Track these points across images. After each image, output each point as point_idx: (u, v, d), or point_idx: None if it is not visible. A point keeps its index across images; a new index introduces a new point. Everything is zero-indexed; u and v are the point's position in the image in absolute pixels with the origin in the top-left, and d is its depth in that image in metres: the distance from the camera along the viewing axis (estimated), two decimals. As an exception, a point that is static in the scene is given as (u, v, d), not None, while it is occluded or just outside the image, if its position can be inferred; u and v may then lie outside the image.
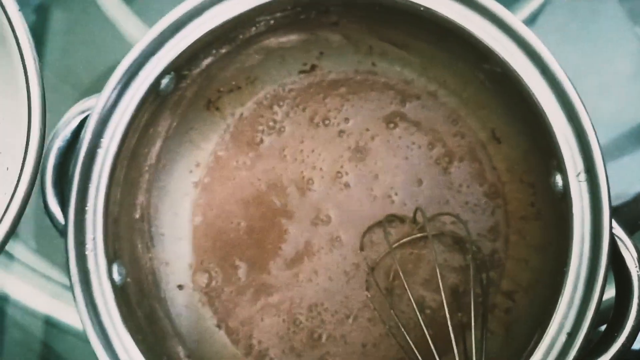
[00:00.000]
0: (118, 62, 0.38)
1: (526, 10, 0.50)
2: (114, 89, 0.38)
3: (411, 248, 0.45)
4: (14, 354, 0.51)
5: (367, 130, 0.46)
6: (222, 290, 0.46)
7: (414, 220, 0.45)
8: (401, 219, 0.45)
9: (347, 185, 0.46)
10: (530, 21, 0.49)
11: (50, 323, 0.50)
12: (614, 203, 0.36)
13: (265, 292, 0.46)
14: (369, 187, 0.46)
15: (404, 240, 0.44)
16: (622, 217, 0.37)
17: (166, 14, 0.38)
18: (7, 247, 0.49)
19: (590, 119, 0.35)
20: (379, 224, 0.45)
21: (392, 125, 0.46)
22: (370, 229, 0.45)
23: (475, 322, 0.40)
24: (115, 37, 0.51)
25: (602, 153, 0.35)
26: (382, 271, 0.45)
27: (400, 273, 0.42)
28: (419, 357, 0.39)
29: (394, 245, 0.44)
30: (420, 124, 0.46)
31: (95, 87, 0.39)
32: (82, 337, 0.37)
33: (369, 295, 0.44)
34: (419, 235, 0.44)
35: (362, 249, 0.45)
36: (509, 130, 0.44)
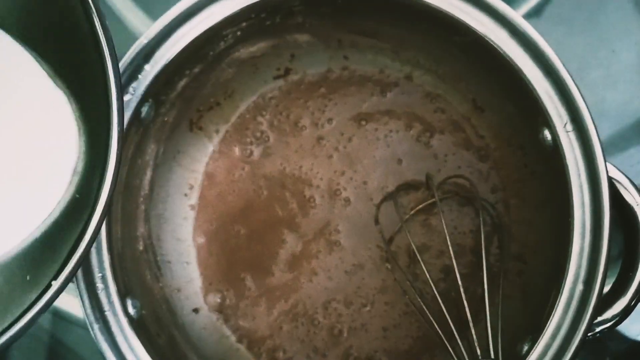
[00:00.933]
0: (122, 55, 0.38)
1: (531, 2, 0.49)
2: (96, 125, 0.38)
3: (426, 215, 0.45)
4: (22, 346, 0.51)
5: (342, 134, 0.47)
6: (237, 307, 0.46)
7: (427, 187, 0.45)
8: (415, 187, 0.45)
9: (347, 200, 0.46)
10: (536, 13, 0.49)
11: (58, 315, 0.50)
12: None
13: (277, 299, 0.46)
14: (367, 197, 0.46)
15: (415, 209, 0.45)
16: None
17: (159, 18, 0.39)
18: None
19: (566, 69, 0.36)
20: (392, 195, 0.45)
21: (363, 122, 0.47)
22: (384, 200, 0.45)
23: (489, 284, 0.40)
24: (120, 30, 0.51)
25: (584, 101, 0.36)
26: (402, 241, 0.45)
27: (414, 246, 0.42)
28: (438, 331, 0.39)
29: (407, 216, 0.44)
30: (393, 111, 0.46)
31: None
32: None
33: (389, 267, 0.45)
34: (430, 201, 0.44)
35: (377, 222, 0.45)
36: (490, 97, 0.44)
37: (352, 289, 0.45)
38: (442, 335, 0.39)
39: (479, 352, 0.37)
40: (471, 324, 0.38)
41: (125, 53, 0.38)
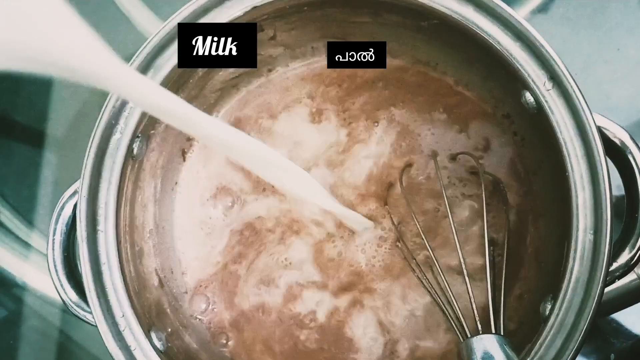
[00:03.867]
0: (131, 54, 0.39)
1: (536, 1, 0.50)
2: (92, 167, 0.38)
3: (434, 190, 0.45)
4: (33, 341, 0.52)
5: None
6: (245, 331, 0.46)
7: (434, 158, 0.45)
8: (410, 164, 0.45)
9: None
10: (542, 10, 0.50)
11: (67, 311, 0.50)
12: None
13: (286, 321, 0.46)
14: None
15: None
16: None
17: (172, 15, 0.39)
18: (24, 238, 0.51)
19: (534, 28, 0.36)
20: (398, 180, 0.45)
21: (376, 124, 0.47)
22: (392, 185, 0.45)
23: (491, 255, 0.40)
24: (128, 30, 0.52)
25: (559, 57, 0.36)
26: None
27: (422, 232, 0.43)
28: (444, 307, 0.39)
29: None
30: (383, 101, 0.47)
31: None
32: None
33: (399, 245, 0.45)
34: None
35: (386, 203, 0.45)
36: (469, 74, 0.45)
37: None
38: (447, 311, 0.39)
39: (479, 327, 0.37)
40: (472, 299, 0.38)
41: (134, 52, 0.39)
